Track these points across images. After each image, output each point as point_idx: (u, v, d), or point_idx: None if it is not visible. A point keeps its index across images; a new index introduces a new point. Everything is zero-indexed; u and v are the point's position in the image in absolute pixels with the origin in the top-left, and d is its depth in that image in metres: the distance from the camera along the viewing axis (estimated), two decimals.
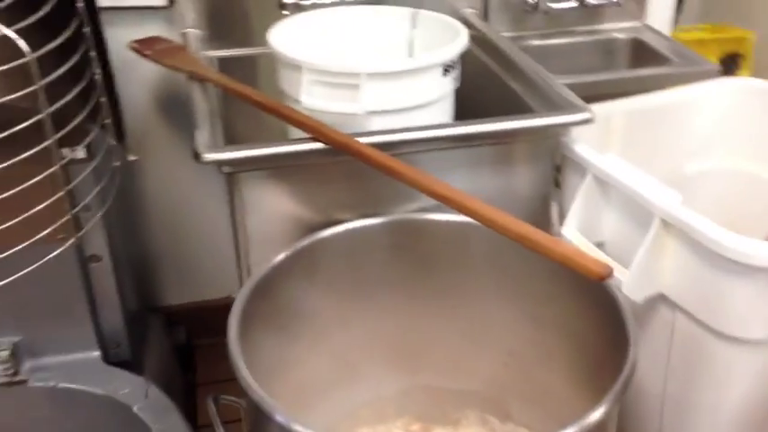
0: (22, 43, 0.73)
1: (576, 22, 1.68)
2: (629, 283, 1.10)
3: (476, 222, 1.19)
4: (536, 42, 1.65)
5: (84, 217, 1.32)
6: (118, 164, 1.09)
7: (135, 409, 1.30)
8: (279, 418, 0.87)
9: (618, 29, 1.69)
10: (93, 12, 0.92)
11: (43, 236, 1.05)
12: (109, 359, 1.43)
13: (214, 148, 1.11)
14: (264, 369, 1.03)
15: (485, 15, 1.64)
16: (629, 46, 1.67)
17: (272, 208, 1.20)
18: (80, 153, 1.24)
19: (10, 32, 0.72)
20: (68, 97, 0.87)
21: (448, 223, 1.19)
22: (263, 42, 1.53)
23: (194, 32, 1.51)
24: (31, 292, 1.28)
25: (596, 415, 0.85)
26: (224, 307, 1.92)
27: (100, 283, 1.39)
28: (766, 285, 1.01)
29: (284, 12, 1.52)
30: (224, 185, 1.72)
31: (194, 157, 1.11)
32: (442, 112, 1.31)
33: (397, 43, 1.41)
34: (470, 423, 1.29)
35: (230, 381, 1.91)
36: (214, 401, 0.98)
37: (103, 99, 0.98)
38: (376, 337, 1.26)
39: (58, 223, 1.06)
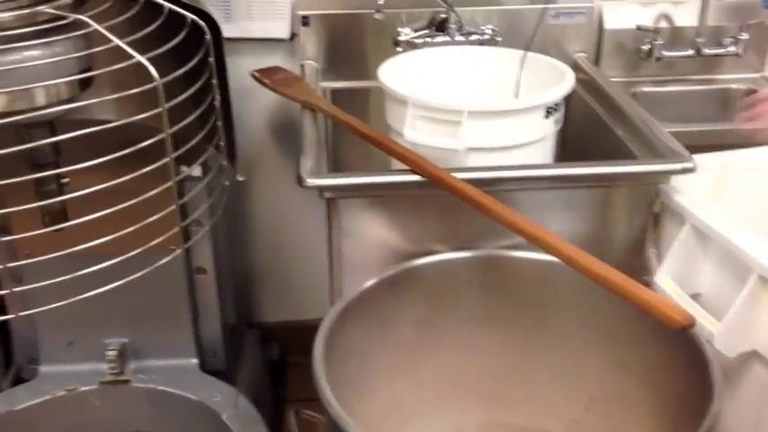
0: (152, 70, 0.81)
1: (693, 71, 1.65)
2: (722, 337, 1.07)
3: (560, 262, 1.20)
4: (648, 89, 1.63)
5: (194, 231, 1.42)
6: (227, 183, 1.16)
7: (224, 417, 1.36)
8: None
9: (736, 79, 1.65)
10: (219, 43, 0.99)
11: (156, 245, 1.13)
12: (205, 367, 1.50)
13: (317, 174, 1.16)
14: (348, 390, 1.06)
15: (596, 60, 1.64)
16: (745, 95, 1.63)
17: (367, 234, 1.24)
18: (195, 171, 1.33)
19: (143, 60, 0.80)
20: (188, 120, 0.94)
21: (537, 261, 1.19)
22: (375, 77, 1.61)
23: (312, 64, 1.58)
24: (141, 298, 1.37)
25: None
26: (316, 327, 2.00)
27: (203, 294, 1.48)
28: None
29: (398, 49, 1.57)
30: (324, 210, 1.80)
31: (297, 182, 1.17)
32: (543, 152, 1.32)
33: (504, 84, 1.44)
34: None
35: (317, 400, 1.97)
36: (295, 414, 1.02)
37: (219, 123, 1.05)
38: (458, 370, 1.27)
39: (169, 234, 1.13)
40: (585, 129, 1.44)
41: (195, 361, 1.48)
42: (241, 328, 1.75)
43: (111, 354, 1.43)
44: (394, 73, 1.34)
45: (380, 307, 1.16)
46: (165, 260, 1.16)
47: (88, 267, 0.91)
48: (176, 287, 1.42)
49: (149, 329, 1.45)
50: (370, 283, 1.15)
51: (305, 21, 1.57)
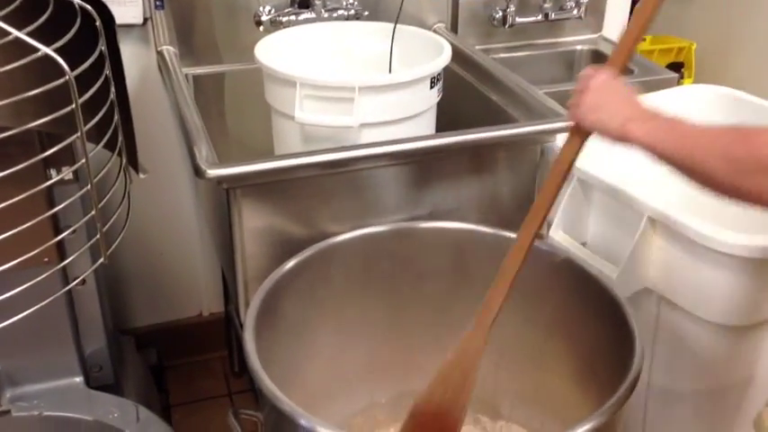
0: (62, 62, 0.72)
1: (541, 35, 1.74)
2: (619, 279, 1.16)
3: (469, 229, 1.23)
4: (502, 55, 1.70)
5: (68, 239, 1.30)
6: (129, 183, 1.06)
7: None
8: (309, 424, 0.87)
9: (579, 41, 1.76)
10: (112, 30, 0.90)
11: (27, 259, 1.02)
12: (90, 384, 1.39)
13: (216, 164, 1.10)
14: (277, 374, 1.03)
15: (454, 30, 1.68)
16: (589, 57, 1.74)
17: (267, 222, 1.20)
18: (68, 174, 1.22)
19: (50, 51, 0.71)
20: (95, 119, 0.84)
21: (446, 230, 1.22)
22: (239, 59, 1.55)
23: (170, 50, 1.49)
24: (10, 317, 1.24)
25: (601, 418, 0.88)
26: (193, 326, 1.92)
27: (84, 306, 1.36)
28: (743, 273, 1.07)
29: (260, 28, 1.52)
30: (190, 202, 1.72)
31: (195, 173, 1.10)
32: (428, 124, 1.34)
33: (376, 58, 1.44)
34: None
35: (205, 400, 1.90)
36: (234, 416, 0.98)
37: (117, 118, 0.95)
38: (368, 345, 1.27)
39: (43, 247, 1.02)
40: (459, 98, 1.47)
41: (80, 378, 1.36)
42: (117, 337, 1.63)
43: None
44: (271, 53, 1.30)
45: (302, 286, 1.14)
46: (41, 276, 1.04)
47: None
48: (53, 302, 1.29)
49: (25, 352, 1.31)
50: (286, 267, 1.12)
51: (158, 3, 1.47)
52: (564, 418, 1.15)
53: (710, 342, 1.14)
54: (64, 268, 1.29)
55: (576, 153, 0.96)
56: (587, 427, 0.86)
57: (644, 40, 2.12)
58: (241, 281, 1.21)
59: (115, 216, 0.88)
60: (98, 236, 0.83)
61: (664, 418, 1.25)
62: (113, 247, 0.86)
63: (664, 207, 1.12)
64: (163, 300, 1.84)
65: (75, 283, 1.08)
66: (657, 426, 1.25)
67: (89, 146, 0.84)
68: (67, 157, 1.22)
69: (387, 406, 1.34)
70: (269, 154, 1.38)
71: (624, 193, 1.17)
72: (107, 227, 0.84)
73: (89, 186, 0.80)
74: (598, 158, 1.25)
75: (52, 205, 1.23)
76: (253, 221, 1.18)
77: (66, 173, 0.98)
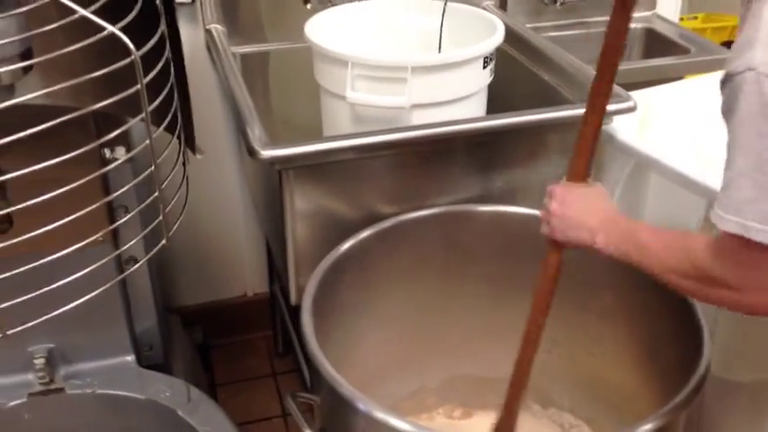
0: (127, 41, 0.71)
1: (590, 13, 1.70)
2: None
3: (523, 213, 1.21)
4: (552, 34, 1.66)
5: (122, 218, 1.30)
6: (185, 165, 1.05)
7: (180, 412, 1.28)
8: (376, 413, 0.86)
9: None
10: (171, 8, 0.89)
11: (80, 238, 1.02)
12: (142, 362, 1.40)
13: (269, 145, 1.09)
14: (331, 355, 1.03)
15: (502, 7, 1.65)
16: (642, 35, 1.70)
17: (318, 203, 1.19)
18: (120, 153, 1.22)
19: (116, 30, 0.70)
20: (160, 98, 0.83)
21: (499, 213, 1.20)
22: (286, 38, 1.53)
23: (218, 28, 1.49)
24: (66, 298, 1.25)
25: (666, 417, 0.86)
26: (238, 306, 1.93)
27: (135, 285, 1.37)
28: None
29: (308, 6, 1.51)
30: (238, 183, 1.72)
31: (249, 154, 1.10)
32: (479, 105, 1.32)
33: (425, 36, 1.41)
34: None
35: (250, 380, 1.91)
36: (292, 399, 0.98)
37: (176, 98, 0.94)
38: (419, 329, 1.27)
39: (103, 231, 1.03)
40: (511, 78, 1.44)
41: (131, 357, 1.38)
42: (165, 316, 1.65)
43: (39, 362, 1.30)
44: (322, 32, 1.28)
45: (356, 268, 1.14)
46: (102, 261, 1.04)
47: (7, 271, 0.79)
48: (106, 282, 1.30)
49: (78, 331, 1.32)
50: (346, 245, 1.13)
51: None
52: (621, 409, 1.14)
53: None
54: (117, 248, 1.30)
55: (559, 262, 0.98)
56: (650, 425, 0.84)
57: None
58: (292, 262, 1.21)
59: (176, 198, 0.88)
60: (160, 218, 0.83)
61: (721, 411, 1.23)
62: (174, 228, 0.86)
63: None
64: (208, 279, 1.84)
65: (136, 266, 1.08)
66: (713, 418, 1.23)
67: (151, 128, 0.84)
68: (120, 136, 1.23)
69: (436, 390, 1.34)
70: (317, 134, 1.37)
71: (686, 177, 1.14)
72: (168, 208, 0.84)
73: (152, 168, 0.79)
74: (657, 140, 1.23)
75: (107, 185, 1.24)
76: (304, 203, 1.17)
77: (131, 154, 0.97)
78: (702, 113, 1.37)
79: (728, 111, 0.70)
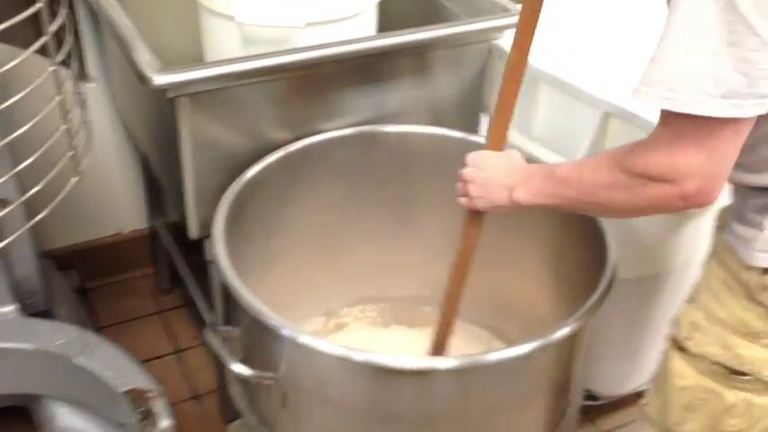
0: None
1: None
2: None
3: (423, 132, 1.22)
4: None
5: None
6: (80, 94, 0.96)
7: (77, 360, 1.21)
8: (300, 337, 0.86)
9: None
10: None
11: None
12: (25, 311, 1.31)
13: (161, 70, 1.02)
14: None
15: None
16: None
17: (214, 132, 1.14)
18: None
19: None
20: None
21: (404, 134, 1.20)
22: None
23: None
24: None
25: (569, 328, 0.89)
26: (114, 245, 1.83)
27: (10, 229, 1.26)
28: None
29: None
30: (158, 112, 1.59)
31: (140, 80, 1.02)
32: (369, 24, 1.29)
33: None
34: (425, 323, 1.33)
35: (134, 320, 1.84)
36: (213, 331, 0.95)
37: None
38: (329, 251, 1.26)
39: None
40: None
41: (14, 306, 1.28)
42: (41, 261, 1.53)
43: None
44: None
45: (264, 194, 1.11)
46: None
47: None
48: None
49: None
50: (253, 171, 1.10)
51: None
52: (527, 318, 1.19)
53: (658, 228, 1.19)
54: None
55: (478, 232, 1.02)
56: (564, 331, 0.88)
57: None
58: (191, 194, 1.15)
59: (81, 130, 0.80)
60: (71, 152, 0.76)
61: (608, 305, 1.31)
62: (82, 162, 0.79)
63: (619, 101, 1.14)
64: (80, 219, 1.73)
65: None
66: (603, 314, 1.31)
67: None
68: None
69: (348, 311, 1.35)
70: (196, 60, 1.29)
71: (578, 89, 1.18)
72: (75, 140, 0.76)
73: (58, 98, 0.72)
74: (545, 53, 1.26)
75: None
76: (201, 132, 1.11)
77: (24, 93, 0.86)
78: (596, 23, 1.42)
79: None
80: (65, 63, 0.81)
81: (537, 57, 1.22)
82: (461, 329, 1.30)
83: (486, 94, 1.31)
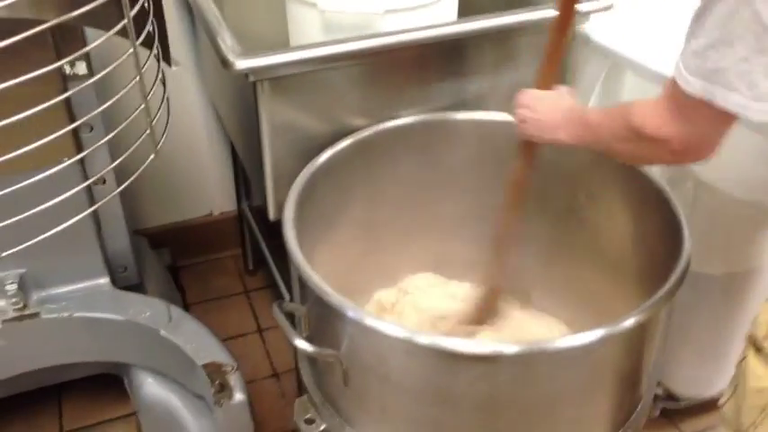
0: None
1: None
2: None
3: (499, 120, 1.21)
4: None
5: (86, 138, 1.26)
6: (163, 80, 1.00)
7: (162, 332, 1.27)
8: (367, 321, 0.87)
9: None
10: None
11: (45, 158, 0.98)
12: (116, 284, 1.38)
13: (243, 55, 1.05)
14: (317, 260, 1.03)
15: None
16: None
17: (294, 116, 1.16)
18: (81, 68, 1.17)
19: None
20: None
21: (474, 122, 1.20)
22: None
23: None
24: (35, 221, 1.21)
25: (635, 319, 0.86)
26: (205, 225, 1.90)
27: (105, 206, 1.33)
28: None
29: None
30: (201, 99, 1.66)
31: (223, 65, 1.06)
32: (450, 10, 1.29)
33: None
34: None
35: (222, 298, 1.90)
36: (279, 307, 0.98)
37: (148, 6, 0.89)
38: (400, 236, 1.27)
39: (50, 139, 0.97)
40: None
41: (106, 279, 1.36)
42: (134, 239, 1.62)
43: (11, 288, 1.27)
44: None
45: (335, 180, 1.12)
46: (53, 170, 1.00)
47: None
48: (75, 202, 1.26)
49: (49, 254, 1.28)
50: (324, 156, 1.11)
51: None
52: (602, 311, 1.16)
53: (746, 223, 1.14)
54: (84, 169, 1.26)
55: (529, 165, 1.09)
56: (629, 322, 0.85)
57: None
58: (270, 177, 1.19)
59: (159, 111, 0.84)
60: (147, 131, 0.80)
61: (692, 302, 1.27)
62: (161, 141, 0.83)
63: None
64: (174, 200, 1.81)
65: (127, 182, 1.05)
66: (684, 308, 1.27)
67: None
68: (78, 49, 1.17)
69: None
70: (283, 46, 1.32)
71: (663, 76, 1.14)
72: (155, 120, 0.80)
73: (137, 78, 0.76)
74: (630, 39, 1.22)
75: (69, 102, 1.19)
76: (280, 116, 1.14)
77: (108, 69, 0.91)
78: (680, 11, 1.36)
79: None
80: (148, 46, 0.85)
81: (621, 43, 1.20)
82: (535, 317, 1.30)
83: (569, 82, 1.29)
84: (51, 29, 1.08)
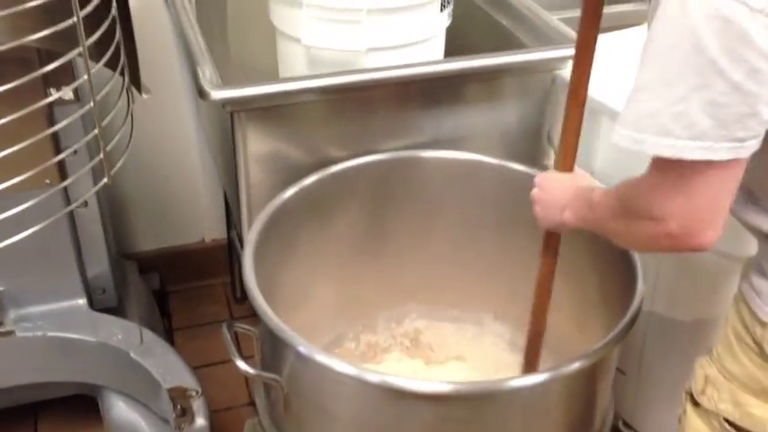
0: None
1: None
2: None
3: (474, 159, 1.22)
4: None
5: (70, 161, 1.28)
6: (132, 103, 1.03)
7: (132, 354, 1.28)
8: (300, 348, 0.87)
9: None
10: None
11: (28, 180, 1.00)
12: (94, 306, 1.40)
13: (219, 86, 1.08)
14: (278, 298, 1.03)
15: None
16: None
17: (271, 147, 1.18)
18: (67, 94, 1.19)
19: None
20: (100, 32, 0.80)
21: (447, 160, 1.21)
22: None
23: None
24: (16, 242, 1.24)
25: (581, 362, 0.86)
26: (196, 252, 1.92)
27: (86, 228, 1.35)
28: None
29: None
30: (193, 126, 1.69)
31: (199, 95, 1.08)
32: (436, 49, 1.31)
33: None
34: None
35: (208, 324, 1.91)
36: (228, 328, 0.98)
37: (118, 35, 0.92)
38: (367, 273, 1.27)
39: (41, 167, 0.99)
40: (468, 22, 1.43)
41: (83, 301, 1.37)
42: (120, 262, 1.63)
43: None
44: None
45: (303, 214, 1.14)
46: (43, 195, 1.02)
47: None
48: (56, 224, 1.28)
49: (28, 273, 1.31)
50: (288, 193, 1.12)
51: None
52: (563, 351, 1.16)
53: (715, 270, 1.14)
54: (66, 191, 1.28)
55: (554, 255, 1.03)
56: (580, 363, 0.86)
57: None
58: (245, 206, 1.20)
59: (118, 136, 0.86)
60: (101, 155, 0.81)
61: (662, 346, 1.26)
62: (117, 167, 0.85)
63: None
64: (165, 225, 1.83)
65: (77, 204, 1.07)
66: (655, 353, 1.26)
67: (90, 63, 0.82)
68: (68, 76, 1.19)
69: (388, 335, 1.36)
70: (273, 77, 1.35)
71: None
72: (111, 146, 0.82)
73: (91, 104, 0.78)
74: (606, 84, 1.23)
75: (53, 126, 1.22)
76: (257, 146, 1.16)
77: (67, 90, 0.95)
78: None
79: (650, 20, 0.70)
80: (115, 70, 0.87)
81: (598, 89, 1.20)
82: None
83: (548, 124, 1.30)
84: (39, 56, 1.12)
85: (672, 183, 0.69)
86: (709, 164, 0.66)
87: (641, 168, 1.16)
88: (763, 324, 0.76)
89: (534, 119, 1.30)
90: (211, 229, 1.88)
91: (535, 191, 0.99)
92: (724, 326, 0.84)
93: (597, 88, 1.20)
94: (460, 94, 1.26)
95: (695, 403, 0.85)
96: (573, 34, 1.23)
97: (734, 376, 0.80)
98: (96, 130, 0.80)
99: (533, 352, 1.10)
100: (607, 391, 0.98)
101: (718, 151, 0.66)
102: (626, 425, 1.36)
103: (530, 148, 1.31)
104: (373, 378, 0.82)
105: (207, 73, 1.10)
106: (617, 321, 0.90)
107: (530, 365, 1.11)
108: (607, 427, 1.01)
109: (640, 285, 0.95)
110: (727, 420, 0.81)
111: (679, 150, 0.66)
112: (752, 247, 1.04)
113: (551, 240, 1.02)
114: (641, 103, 0.68)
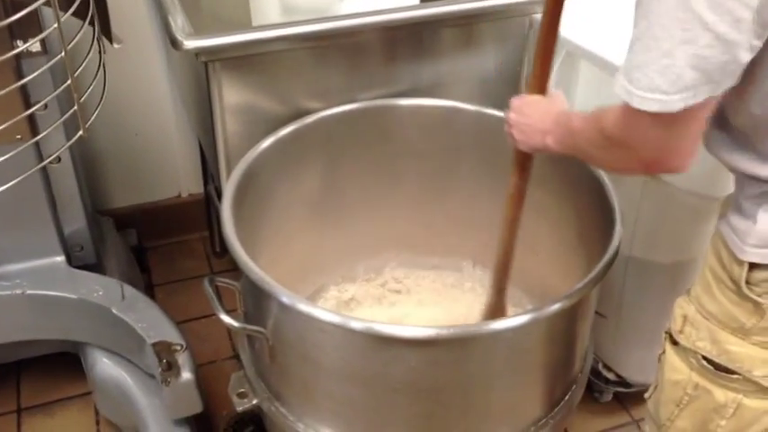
0: None
1: None
2: None
3: (450, 106, 1.21)
4: None
5: (40, 116, 1.25)
6: (103, 54, 1.00)
7: (114, 310, 1.27)
8: (283, 298, 0.87)
9: None
10: None
11: None
12: (72, 263, 1.38)
13: (192, 35, 1.05)
14: (257, 249, 1.03)
15: None
16: None
17: (247, 97, 1.16)
18: (35, 46, 1.16)
19: None
20: None
21: (422, 108, 1.20)
22: None
23: None
24: None
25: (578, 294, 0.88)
26: (173, 207, 1.90)
27: (61, 184, 1.33)
28: None
29: None
30: (165, 79, 1.66)
31: (171, 45, 1.05)
32: None
33: None
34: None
35: (187, 279, 1.90)
36: (210, 283, 0.98)
37: None
38: (345, 222, 1.27)
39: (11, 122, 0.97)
40: None
41: (61, 258, 1.36)
42: (97, 218, 1.62)
43: None
44: None
45: (274, 168, 1.12)
46: (12, 153, 1.00)
47: None
48: (30, 181, 1.26)
49: (4, 231, 1.29)
50: (264, 144, 1.11)
51: None
52: (543, 294, 1.17)
53: (691, 213, 1.15)
54: (39, 147, 1.26)
55: (526, 178, 1.04)
56: (561, 304, 0.87)
57: None
58: (222, 157, 1.19)
59: (91, 88, 0.84)
60: (74, 108, 0.80)
61: (641, 289, 1.28)
62: (92, 119, 0.83)
63: None
64: (140, 180, 1.81)
65: (50, 159, 1.05)
66: (634, 296, 1.28)
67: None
68: (35, 27, 1.16)
69: (365, 280, 1.36)
70: (246, 27, 1.32)
71: (614, 66, 1.14)
72: (84, 97, 0.80)
73: (63, 54, 0.76)
74: (585, 28, 1.22)
75: (21, 80, 1.19)
76: (233, 97, 1.14)
77: (35, 41, 0.92)
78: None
79: None
80: (85, 20, 0.85)
81: (576, 32, 1.20)
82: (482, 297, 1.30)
83: (527, 70, 1.29)
84: (3, 5, 1.09)
85: (650, 119, 0.70)
86: (688, 108, 0.68)
87: None
88: (740, 262, 0.77)
89: (512, 64, 1.29)
90: (188, 184, 1.86)
91: (512, 115, 0.99)
92: (702, 266, 0.85)
93: (574, 31, 1.20)
94: (438, 40, 1.25)
95: (674, 342, 0.87)
96: None
97: (711, 315, 0.82)
98: (69, 82, 0.78)
99: (501, 282, 1.12)
100: (587, 333, 1.00)
101: (698, 95, 0.68)
102: (606, 367, 1.39)
103: (509, 94, 1.29)
104: (357, 325, 0.83)
105: (179, 22, 1.08)
106: (596, 263, 0.91)
107: (498, 293, 1.12)
108: (587, 368, 1.03)
109: (619, 227, 0.96)
110: (705, 358, 0.83)
111: (664, 105, 0.68)
112: (729, 186, 1.05)
113: (525, 160, 1.03)
114: (635, 54, 0.69)
